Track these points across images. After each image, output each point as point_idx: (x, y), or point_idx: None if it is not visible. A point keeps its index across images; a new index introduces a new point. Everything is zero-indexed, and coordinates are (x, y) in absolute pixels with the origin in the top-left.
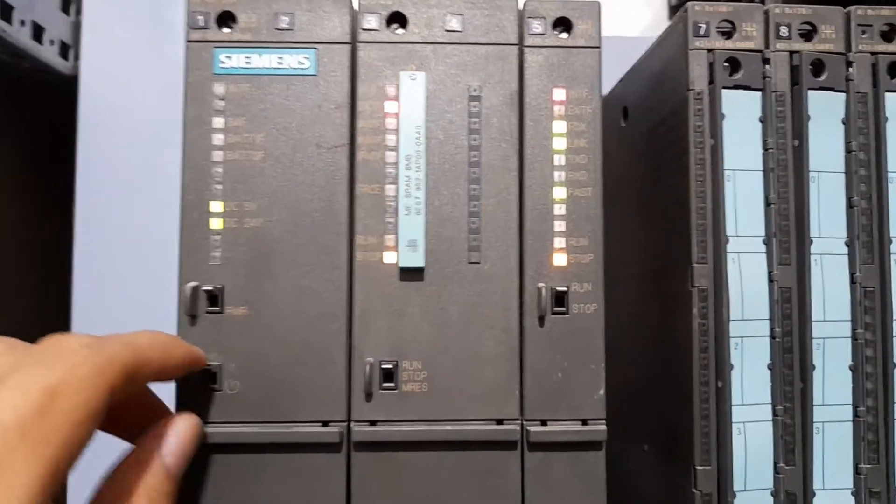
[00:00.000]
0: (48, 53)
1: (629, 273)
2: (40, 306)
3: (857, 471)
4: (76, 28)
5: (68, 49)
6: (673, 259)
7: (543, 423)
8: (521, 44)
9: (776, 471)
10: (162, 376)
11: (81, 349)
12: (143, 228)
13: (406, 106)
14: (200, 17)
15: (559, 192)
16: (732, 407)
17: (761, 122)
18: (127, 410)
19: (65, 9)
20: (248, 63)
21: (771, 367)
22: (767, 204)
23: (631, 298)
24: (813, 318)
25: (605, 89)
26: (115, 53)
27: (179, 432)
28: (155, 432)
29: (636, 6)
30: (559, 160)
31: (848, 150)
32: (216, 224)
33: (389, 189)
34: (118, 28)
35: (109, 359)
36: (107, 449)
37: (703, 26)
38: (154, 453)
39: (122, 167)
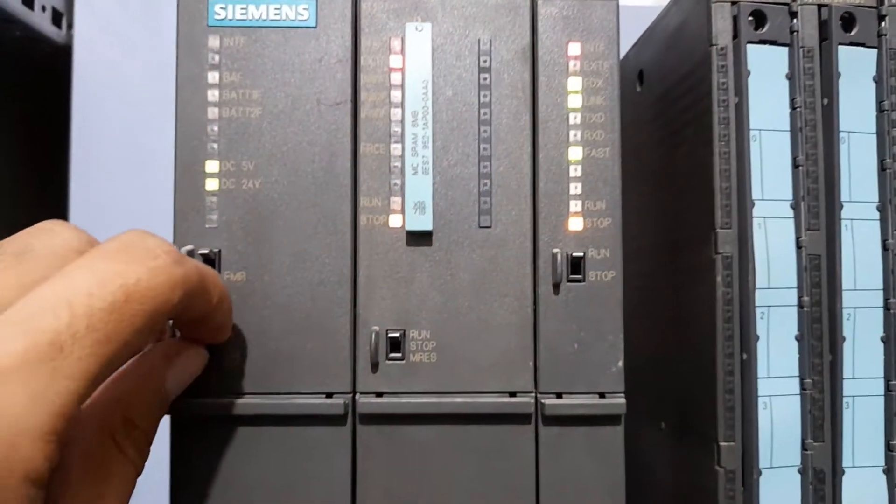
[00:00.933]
0: (40, 20)
1: (641, 245)
2: None
3: (888, 447)
4: None
5: (61, 17)
6: (692, 228)
7: (559, 395)
8: None
9: (804, 447)
10: (205, 316)
11: (163, 255)
12: (139, 197)
13: (412, 60)
14: None
15: (575, 153)
16: (758, 380)
17: (788, 79)
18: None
19: None
20: (243, 14)
21: (799, 339)
22: (795, 166)
23: (643, 271)
24: (843, 287)
25: (621, 54)
26: (110, 21)
27: (189, 364)
28: (166, 352)
29: None
30: (574, 119)
31: (880, 110)
32: (212, 185)
33: (395, 148)
34: None
35: (185, 274)
36: None
37: None
38: (156, 374)
39: (118, 137)
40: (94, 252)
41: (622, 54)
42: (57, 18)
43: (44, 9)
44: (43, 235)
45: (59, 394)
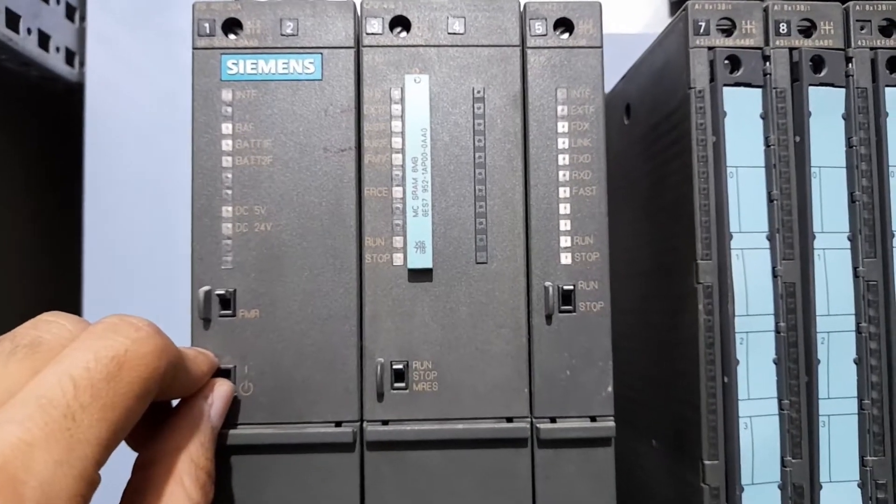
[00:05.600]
0: (54, 61)
1: (632, 270)
2: None
3: (862, 463)
4: (81, 35)
5: (73, 56)
6: (677, 256)
7: (553, 420)
8: (523, 45)
9: (783, 464)
10: (187, 387)
11: (145, 327)
12: (151, 232)
13: (411, 109)
14: (206, 25)
15: (564, 192)
16: (739, 402)
17: (762, 118)
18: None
19: (69, 16)
20: (254, 69)
21: (776, 362)
22: (770, 200)
23: (635, 295)
24: (817, 313)
25: (608, 86)
26: (120, 59)
27: (223, 395)
28: (202, 393)
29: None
30: (563, 160)
31: (849, 146)
32: (227, 229)
33: (397, 191)
34: (122, 34)
35: (167, 344)
36: None
37: (704, 24)
38: (203, 412)
39: (129, 172)
40: (85, 334)
41: (610, 85)
42: (70, 58)
43: (58, 49)
44: (51, 328)
45: (80, 458)
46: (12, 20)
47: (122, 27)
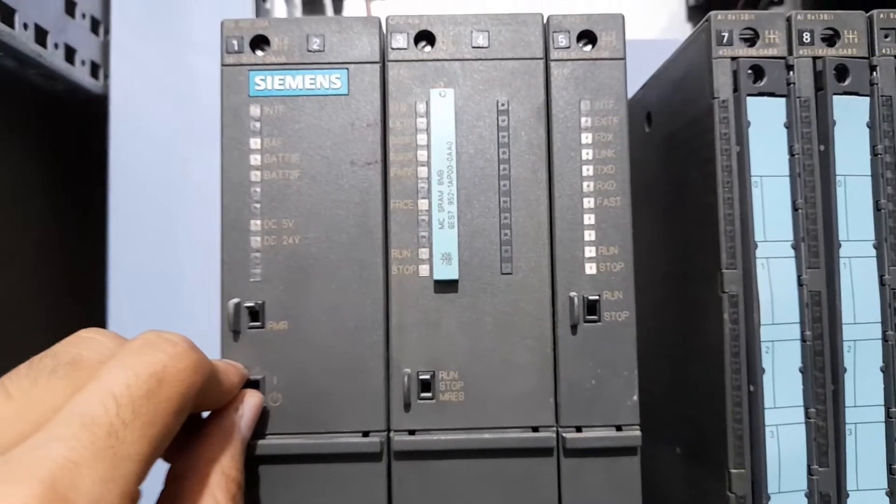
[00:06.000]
0: (80, 74)
1: (655, 277)
2: (77, 328)
3: (890, 471)
4: (105, 48)
5: (98, 69)
6: (700, 263)
7: (578, 429)
8: (546, 58)
9: (810, 472)
10: (218, 399)
11: (181, 342)
12: (177, 243)
13: (436, 122)
14: (235, 42)
15: (588, 202)
16: (765, 410)
17: (786, 127)
18: None
19: (94, 29)
20: (282, 85)
21: (802, 371)
22: (795, 209)
23: (657, 302)
24: (843, 321)
25: (628, 93)
26: (143, 72)
27: (253, 406)
28: (232, 405)
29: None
30: (587, 171)
31: (874, 154)
32: (256, 242)
33: (422, 204)
34: (146, 47)
35: (202, 359)
36: None
37: (726, 35)
38: (235, 424)
39: (154, 184)
40: (123, 351)
41: (631, 93)
42: (94, 71)
43: (83, 63)
44: (90, 344)
45: (123, 475)
46: (41, 35)
47: (146, 40)
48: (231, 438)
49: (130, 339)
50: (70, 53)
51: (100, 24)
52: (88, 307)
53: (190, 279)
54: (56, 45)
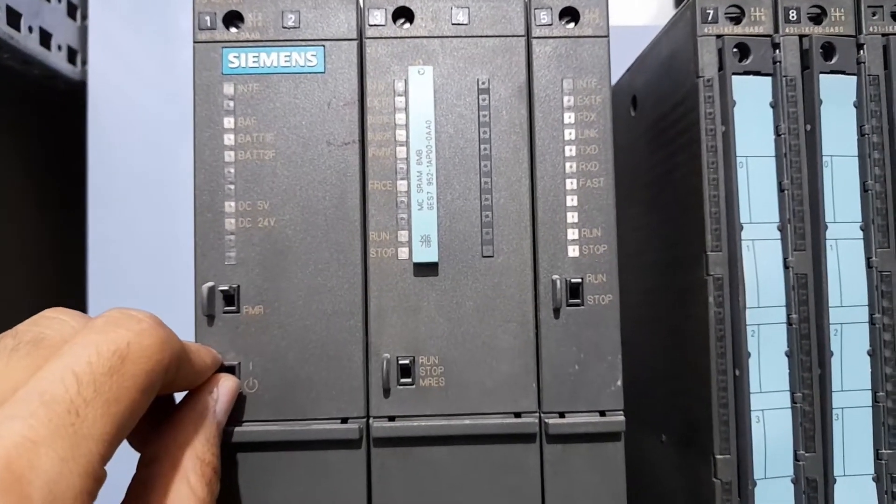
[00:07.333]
0: (56, 59)
1: (641, 263)
2: None
3: (877, 456)
4: (83, 33)
5: (76, 54)
6: (686, 248)
7: (561, 415)
8: (528, 35)
9: (796, 458)
10: (190, 380)
11: (147, 319)
12: (154, 229)
13: (415, 101)
14: (207, 18)
15: (571, 184)
16: (751, 395)
17: (772, 107)
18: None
19: (71, 14)
20: (256, 62)
21: (788, 355)
22: (781, 190)
23: (643, 288)
24: (830, 304)
25: (613, 79)
26: (122, 57)
27: (228, 389)
28: (206, 388)
29: None
30: (570, 151)
31: (861, 134)
32: (230, 224)
33: (401, 185)
34: (124, 32)
35: (170, 336)
36: None
37: (711, 12)
38: (209, 407)
39: (132, 169)
40: (86, 328)
41: (616, 78)
42: (72, 56)
43: (59, 48)
44: (53, 324)
45: (85, 455)
46: (13, 18)
47: (124, 25)
48: (205, 421)
49: (95, 317)
50: (45, 38)
51: (77, 9)
52: (67, 291)
53: (169, 266)
54: (31, 29)
